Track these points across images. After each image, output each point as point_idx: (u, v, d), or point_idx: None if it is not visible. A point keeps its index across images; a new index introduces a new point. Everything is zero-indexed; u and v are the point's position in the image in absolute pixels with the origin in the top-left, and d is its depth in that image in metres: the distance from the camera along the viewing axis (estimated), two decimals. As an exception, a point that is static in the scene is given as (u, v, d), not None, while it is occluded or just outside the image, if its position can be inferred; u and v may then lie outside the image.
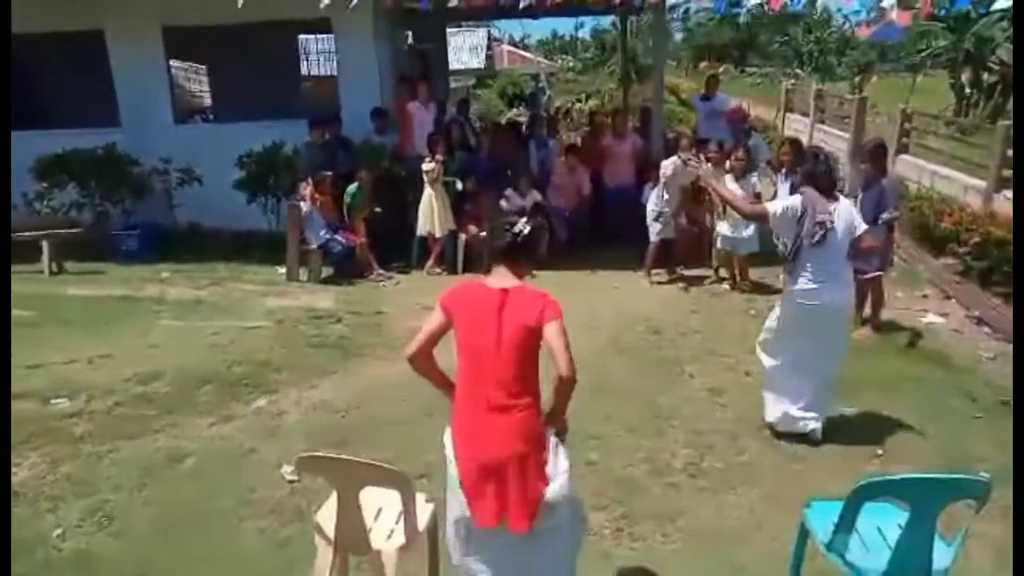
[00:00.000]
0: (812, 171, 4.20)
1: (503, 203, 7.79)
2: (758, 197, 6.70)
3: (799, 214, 4.08)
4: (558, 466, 2.55)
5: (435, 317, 2.63)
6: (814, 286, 4.08)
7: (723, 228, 7.22)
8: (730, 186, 6.78)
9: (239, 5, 7.55)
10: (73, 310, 6.62)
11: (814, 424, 4.27)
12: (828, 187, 4.14)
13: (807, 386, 4.23)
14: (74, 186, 8.77)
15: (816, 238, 4.01)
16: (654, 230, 7.48)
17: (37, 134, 9.06)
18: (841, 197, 4.25)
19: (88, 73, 9.45)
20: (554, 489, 2.49)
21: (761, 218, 4.46)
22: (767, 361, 4.42)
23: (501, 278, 2.60)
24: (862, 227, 4.20)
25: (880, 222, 5.56)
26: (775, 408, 4.36)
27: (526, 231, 2.63)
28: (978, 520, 2.73)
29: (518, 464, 2.45)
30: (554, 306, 2.51)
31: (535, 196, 8.10)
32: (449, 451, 2.61)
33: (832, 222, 4.02)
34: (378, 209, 8.13)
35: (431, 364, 2.69)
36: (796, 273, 4.14)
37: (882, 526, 2.69)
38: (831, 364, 4.25)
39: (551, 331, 2.47)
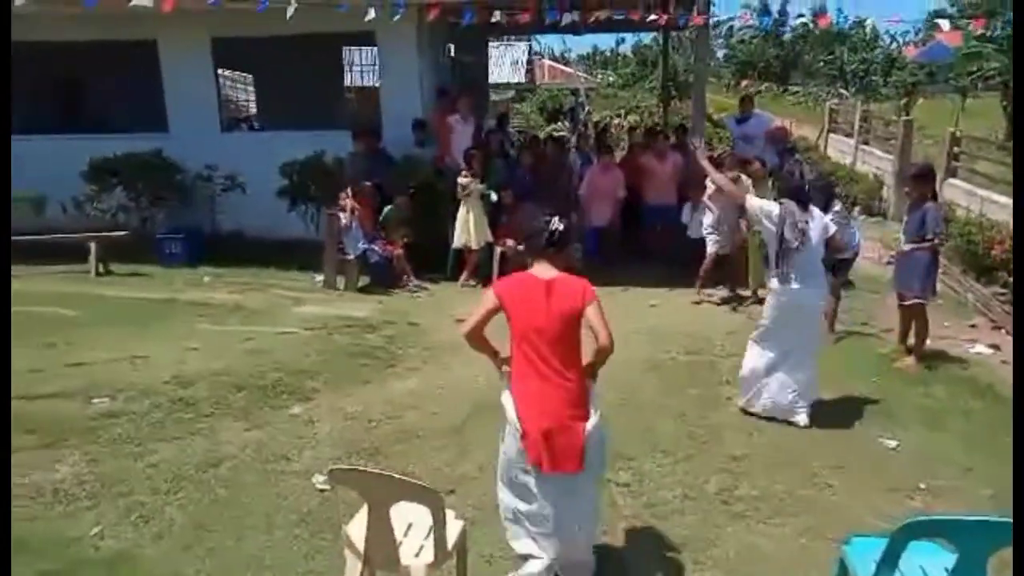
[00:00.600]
0: (789, 186, 4.85)
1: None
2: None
3: (775, 220, 4.70)
4: (593, 412, 3.07)
5: (488, 300, 3.08)
6: (798, 287, 4.70)
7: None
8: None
9: (288, 17, 7.71)
10: (116, 311, 6.78)
11: (803, 412, 4.79)
12: (804, 200, 4.75)
13: (798, 376, 4.78)
14: (122, 190, 9.01)
15: (797, 243, 4.62)
16: (711, 240, 7.40)
17: (89, 138, 9.36)
18: (814, 208, 4.84)
19: (140, 81, 9.73)
20: (591, 426, 3.00)
21: (739, 207, 5.46)
22: (759, 354, 4.91)
23: (544, 270, 3.07)
24: (832, 229, 4.88)
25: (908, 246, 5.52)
26: (765, 397, 4.85)
27: (560, 228, 3.10)
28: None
29: (571, 424, 2.97)
30: (592, 290, 3.04)
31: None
32: (511, 412, 3.06)
33: (808, 229, 4.64)
34: (405, 240, 8.17)
35: (483, 340, 3.15)
36: (783, 276, 4.72)
37: (926, 567, 2.59)
38: (814, 357, 4.89)
39: (591, 311, 3.00)
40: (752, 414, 4.90)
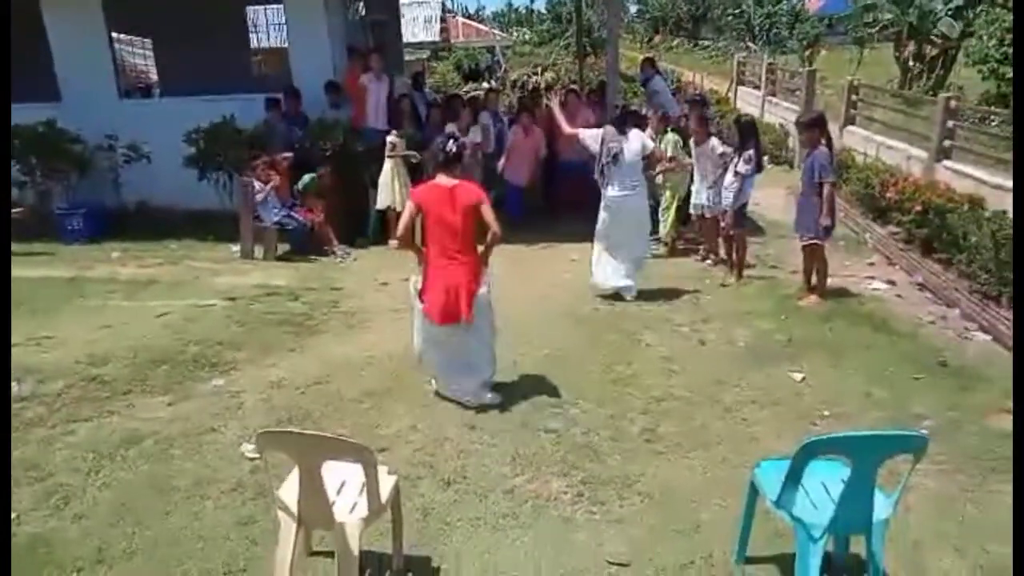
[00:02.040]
0: (612, 117, 6.52)
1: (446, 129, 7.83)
2: (722, 157, 6.76)
3: (599, 141, 6.06)
4: (483, 285, 4.33)
5: (409, 208, 4.25)
6: (618, 193, 6.10)
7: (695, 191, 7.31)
8: (695, 151, 7.07)
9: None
10: (19, 293, 6.40)
11: (628, 285, 6.26)
12: (620, 125, 6.21)
13: (624, 263, 6.24)
14: (14, 164, 8.44)
15: (607, 159, 6.02)
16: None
17: (-29, 110, 8.69)
18: (632, 131, 6.16)
19: (24, 46, 9.05)
20: (481, 292, 4.30)
21: (574, 139, 6.43)
22: (597, 246, 6.31)
23: (446, 180, 4.22)
24: (650, 146, 6.27)
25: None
26: (601, 277, 6.32)
27: (453, 149, 4.23)
28: (916, 474, 2.89)
29: (467, 287, 4.23)
30: (483, 193, 4.27)
31: (475, 136, 8.23)
32: (414, 288, 4.40)
33: (621, 149, 6.01)
34: (323, 176, 8.04)
35: (411, 241, 4.34)
36: (606, 185, 6.13)
37: (827, 482, 2.82)
38: (638, 247, 6.35)
39: (485, 209, 4.18)
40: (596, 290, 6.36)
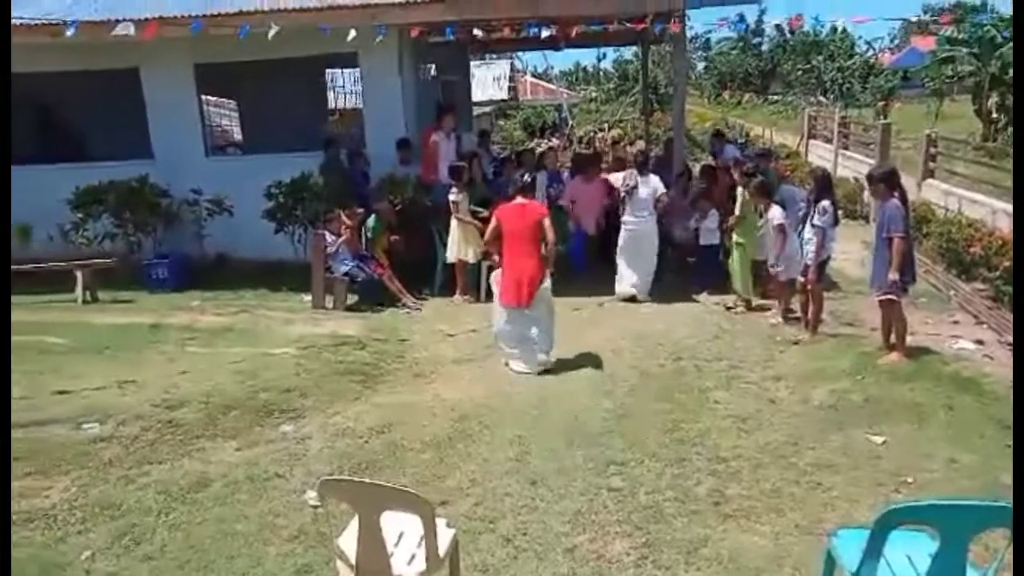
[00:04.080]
0: (636, 159, 8.48)
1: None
2: (780, 230, 6.72)
3: (623, 180, 7.94)
4: (545, 282, 5.98)
5: (494, 223, 6.10)
6: (631, 219, 7.81)
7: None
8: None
9: (269, 37, 7.78)
10: (104, 337, 6.76)
11: (642, 292, 7.85)
12: (642, 167, 7.99)
13: (636, 274, 7.85)
14: (108, 217, 9.01)
15: (626, 191, 7.80)
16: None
17: (75, 167, 9.38)
18: (651, 175, 7.89)
19: (123, 108, 9.76)
20: (544, 285, 5.95)
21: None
22: (621, 261, 7.92)
23: (521, 200, 6.06)
24: (661, 190, 7.85)
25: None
26: (620, 288, 7.89)
27: (528, 180, 6.34)
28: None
29: (530, 279, 5.87)
30: (546, 210, 6.27)
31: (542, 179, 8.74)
32: (495, 281, 6.20)
33: (636, 184, 7.71)
34: (395, 237, 8.27)
35: (497, 244, 6.10)
36: (625, 213, 7.83)
37: (912, 555, 2.63)
38: (648, 263, 7.89)
39: (546, 222, 5.99)
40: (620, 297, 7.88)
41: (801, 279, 6.58)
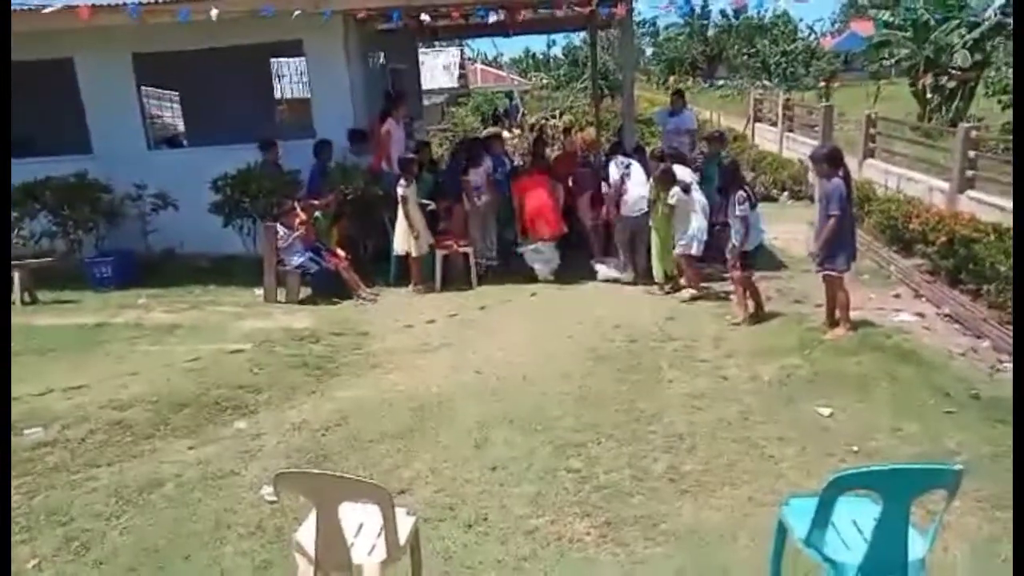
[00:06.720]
0: (618, 146, 8.71)
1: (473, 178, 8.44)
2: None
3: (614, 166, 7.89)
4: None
5: (516, 193, 8.29)
6: (630, 204, 7.67)
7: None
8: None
9: (213, 17, 7.51)
10: (47, 340, 6.53)
11: (628, 277, 7.96)
12: (629, 152, 8.27)
13: (627, 258, 7.96)
14: (45, 215, 8.68)
15: (620, 174, 7.70)
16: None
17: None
18: (634, 160, 7.95)
19: (58, 102, 9.39)
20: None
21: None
22: (619, 241, 8.01)
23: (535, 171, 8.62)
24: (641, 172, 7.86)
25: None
26: (606, 272, 8.07)
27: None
28: (953, 512, 2.79)
29: (558, 223, 8.17)
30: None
31: (476, 179, 8.45)
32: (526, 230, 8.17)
33: (629, 168, 7.76)
34: (343, 221, 8.14)
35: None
36: (623, 198, 7.70)
37: (858, 520, 2.73)
38: (643, 243, 7.81)
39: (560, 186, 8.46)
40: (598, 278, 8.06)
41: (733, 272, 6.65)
